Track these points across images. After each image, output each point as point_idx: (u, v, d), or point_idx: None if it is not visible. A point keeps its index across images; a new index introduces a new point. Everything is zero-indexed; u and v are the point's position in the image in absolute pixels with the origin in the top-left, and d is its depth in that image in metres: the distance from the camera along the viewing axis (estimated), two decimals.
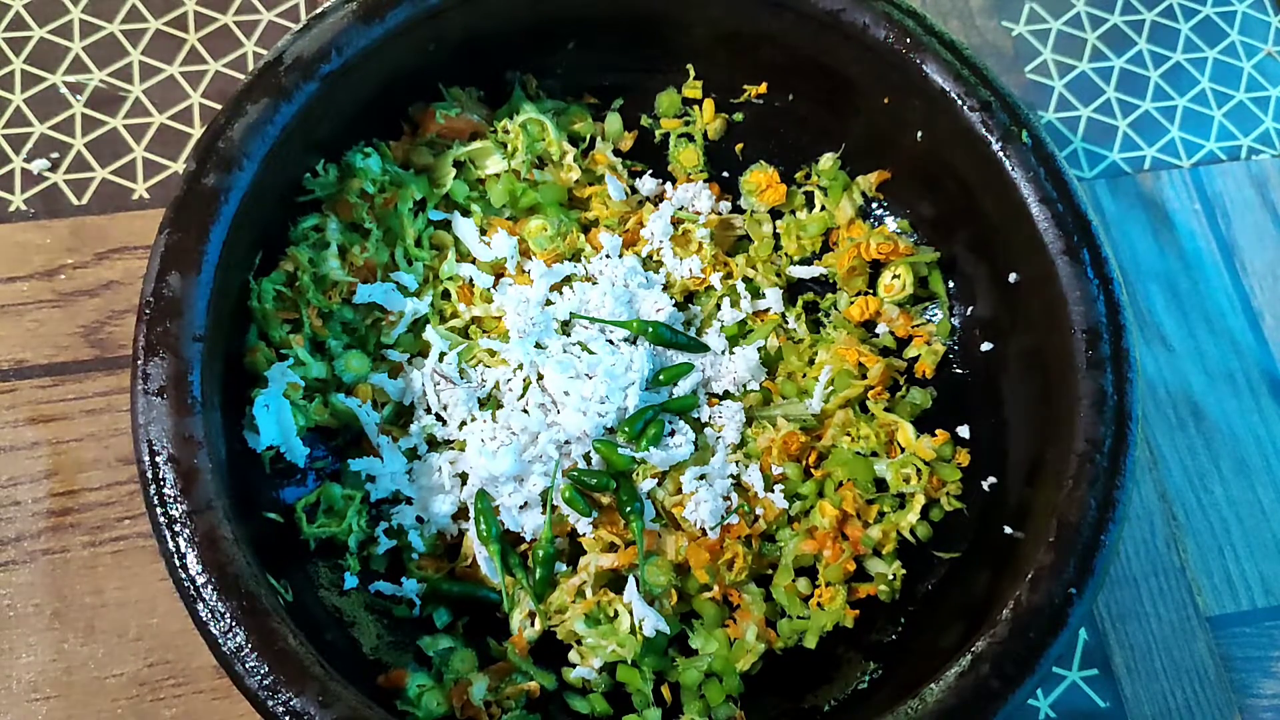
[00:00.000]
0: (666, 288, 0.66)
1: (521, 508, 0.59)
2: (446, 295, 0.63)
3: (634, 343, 0.62)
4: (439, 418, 0.61)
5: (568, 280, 0.64)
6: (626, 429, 0.60)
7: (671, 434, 0.61)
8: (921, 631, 0.58)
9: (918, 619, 0.59)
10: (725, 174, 0.70)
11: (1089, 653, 0.64)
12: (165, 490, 0.48)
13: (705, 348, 0.64)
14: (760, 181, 0.68)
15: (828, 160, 0.68)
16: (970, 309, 0.65)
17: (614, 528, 0.59)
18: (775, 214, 0.69)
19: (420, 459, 0.60)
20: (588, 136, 0.68)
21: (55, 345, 0.65)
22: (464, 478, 0.60)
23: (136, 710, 0.58)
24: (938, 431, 0.63)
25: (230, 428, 0.54)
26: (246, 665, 0.45)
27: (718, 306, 0.66)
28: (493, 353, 0.62)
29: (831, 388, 0.63)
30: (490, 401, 0.61)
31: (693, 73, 0.68)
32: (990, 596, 0.53)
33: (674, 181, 0.69)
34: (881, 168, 0.67)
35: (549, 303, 0.63)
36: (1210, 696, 0.63)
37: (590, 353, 0.61)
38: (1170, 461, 0.69)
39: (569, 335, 0.63)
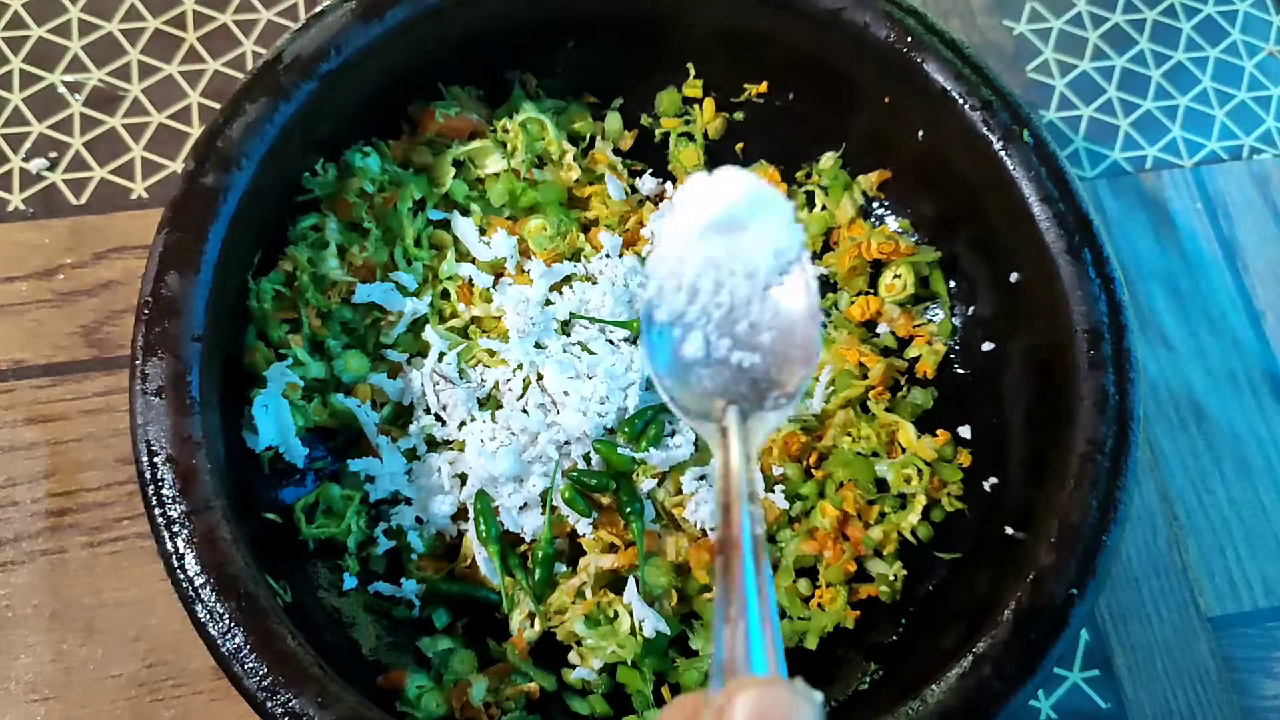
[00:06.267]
0: None
1: (521, 508, 0.58)
2: (446, 295, 0.63)
3: (634, 343, 0.62)
4: (438, 418, 0.60)
5: (568, 280, 0.64)
6: (626, 429, 0.60)
7: (671, 434, 0.61)
8: (922, 632, 0.58)
9: (919, 620, 0.59)
10: None
11: (1090, 654, 0.64)
12: (164, 491, 0.47)
13: None
14: None
15: (828, 159, 0.68)
16: (971, 309, 0.65)
17: (614, 528, 0.59)
18: None
19: (419, 459, 0.60)
20: (588, 136, 0.68)
21: (54, 345, 0.65)
22: (463, 478, 0.59)
23: (135, 711, 0.58)
24: (939, 432, 0.62)
25: (229, 428, 0.54)
26: (245, 666, 0.45)
27: None
28: (492, 353, 0.61)
29: (832, 388, 0.63)
30: (490, 402, 0.61)
31: (693, 72, 0.68)
32: (992, 597, 0.52)
33: (674, 181, 0.69)
34: (882, 167, 0.67)
35: (549, 303, 0.63)
36: (1212, 697, 0.63)
37: (590, 353, 0.61)
38: (1172, 462, 0.69)
39: (569, 335, 0.63)
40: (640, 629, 0.55)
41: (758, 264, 0.42)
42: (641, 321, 0.43)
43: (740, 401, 0.41)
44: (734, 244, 0.42)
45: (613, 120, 0.68)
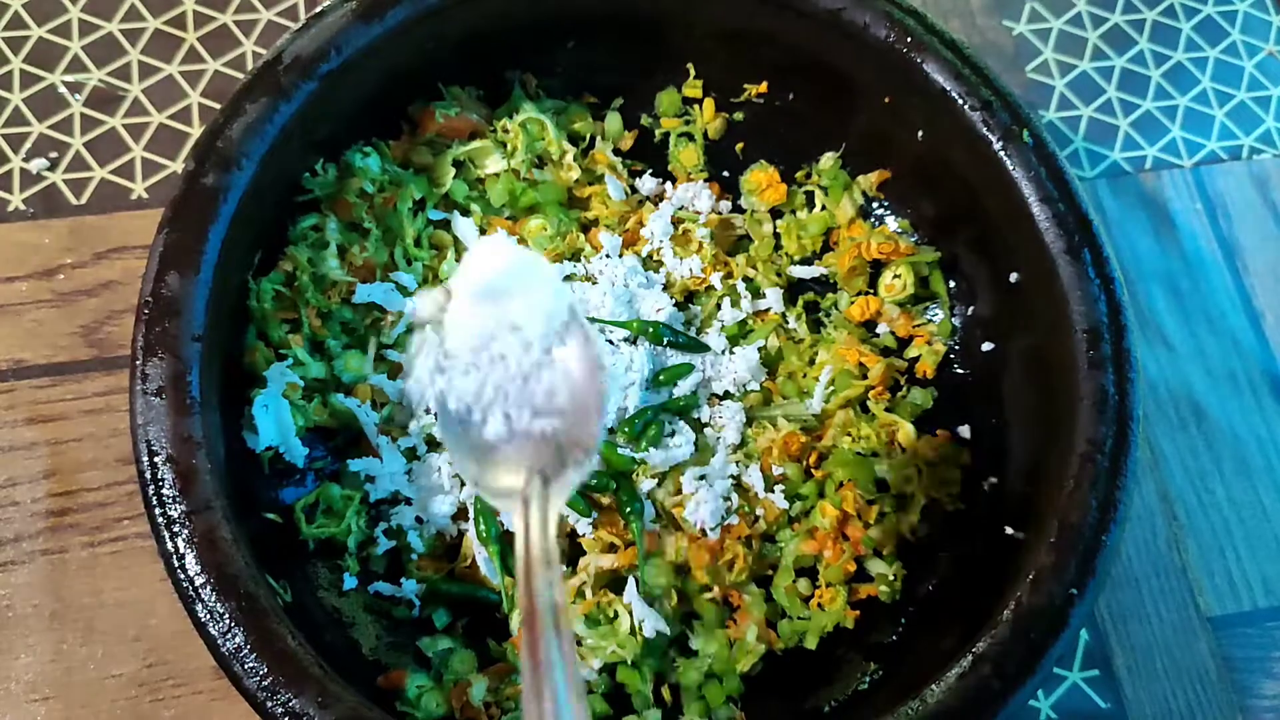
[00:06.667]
0: (666, 288, 0.65)
1: None
2: None
3: (634, 343, 0.62)
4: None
5: (567, 280, 0.64)
6: (626, 429, 0.60)
7: (671, 434, 0.61)
8: (922, 632, 0.58)
9: (918, 620, 0.59)
10: (725, 173, 0.70)
11: (1090, 654, 0.64)
12: (164, 490, 0.47)
13: (705, 348, 0.63)
14: (760, 181, 0.68)
15: (828, 160, 0.68)
16: (971, 309, 0.65)
17: (614, 528, 0.59)
18: (775, 213, 0.69)
19: (420, 459, 0.59)
20: (588, 136, 0.68)
21: (54, 345, 0.65)
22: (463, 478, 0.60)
23: (135, 711, 0.58)
24: (939, 432, 0.62)
25: (229, 428, 0.54)
26: (245, 666, 0.45)
27: (718, 306, 0.65)
28: None
29: (832, 388, 0.63)
30: None
31: (693, 72, 0.68)
32: (991, 597, 0.52)
33: (674, 181, 0.69)
34: (882, 167, 0.67)
35: None
36: (1212, 697, 0.63)
37: None
38: (1171, 462, 0.69)
39: None
40: (640, 629, 0.55)
41: (532, 331, 0.42)
42: (438, 416, 0.43)
43: (544, 468, 0.41)
44: (503, 313, 0.42)
45: (613, 120, 0.68)
